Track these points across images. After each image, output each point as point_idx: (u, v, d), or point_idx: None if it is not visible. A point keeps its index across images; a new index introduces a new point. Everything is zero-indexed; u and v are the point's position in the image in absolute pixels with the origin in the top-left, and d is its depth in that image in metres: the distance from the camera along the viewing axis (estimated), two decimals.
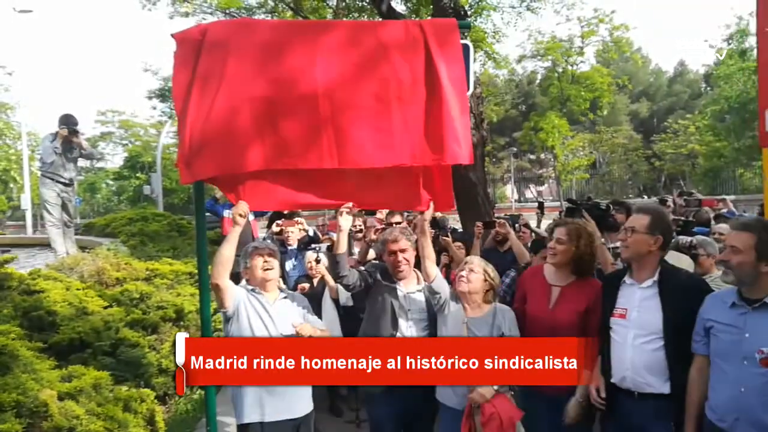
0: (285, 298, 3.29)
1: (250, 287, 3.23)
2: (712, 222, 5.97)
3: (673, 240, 3.46)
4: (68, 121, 7.35)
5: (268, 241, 5.25)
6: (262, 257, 3.19)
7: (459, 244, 4.98)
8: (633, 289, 2.86)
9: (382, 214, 6.20)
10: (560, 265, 3.22)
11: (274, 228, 6.26)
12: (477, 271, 3.26)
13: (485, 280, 3.27)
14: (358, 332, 3.62)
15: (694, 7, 72.95)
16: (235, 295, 3.10)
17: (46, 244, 8.10)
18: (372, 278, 3.47)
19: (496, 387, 3.05)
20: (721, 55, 26.06)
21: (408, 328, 3.35)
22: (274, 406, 3.04)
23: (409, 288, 3.46)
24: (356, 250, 5.20)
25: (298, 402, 3.14)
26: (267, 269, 3.18)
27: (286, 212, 7.39)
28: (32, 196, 21.52)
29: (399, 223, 5.10)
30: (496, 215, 6.97)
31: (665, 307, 2.72)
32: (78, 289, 5.25)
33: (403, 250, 3.39)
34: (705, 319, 2.56)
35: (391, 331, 3.36)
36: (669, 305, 2.71)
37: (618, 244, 4.41)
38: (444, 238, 4.66)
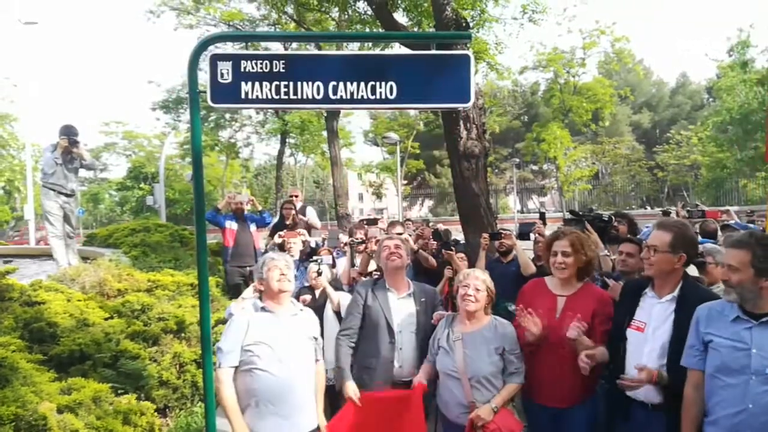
0: (301, 311, 3.23)
1: (260, 305, 3.16)
2: (719, 233, 5.94)
3: None
4: (68, 132, 7.32)
5: (270, 252, 5.22)
6: (278, 269, 3.11)
7: (462, 255, 4.95)
8: (653, 302, 2.84)
9: (383, 223, 6.17)
10: (570, 276, 3.20)
11: (276, 239, 6.24)
12: (482, 289, 3.25)
13: (488, 296, 3.28)
14: (357, 344, 3.61)
15: (696, 17, 73.22)
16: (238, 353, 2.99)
17: (48, 255, 8.07)
18: (363, 295, 3.59)
19: (494, 406, 3.03)
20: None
21: (398, 333, 3.49)
22: (277, 422, 2.98)
23: (400, 294, 3.61)
24: (357, 260, 5.17)
25: (302, 417, 3.07)
26: (283, 281, 3.10)
27: (288, 223, 7.39)
28: (35, 207, 21.54)
29: (400, 233, 5.09)
30: (500, 227, 6.94)
31: (677, 322, 2.70)
32: (79, 301, 5.23)
33: (397, 246, 3.65)
34: (703, 332, 2.50)
35: (388, 340, 3.47)
36: (681, 321, 2.67)
37: (620, 255, 4.41)
38: (447, 251, 4.63)
